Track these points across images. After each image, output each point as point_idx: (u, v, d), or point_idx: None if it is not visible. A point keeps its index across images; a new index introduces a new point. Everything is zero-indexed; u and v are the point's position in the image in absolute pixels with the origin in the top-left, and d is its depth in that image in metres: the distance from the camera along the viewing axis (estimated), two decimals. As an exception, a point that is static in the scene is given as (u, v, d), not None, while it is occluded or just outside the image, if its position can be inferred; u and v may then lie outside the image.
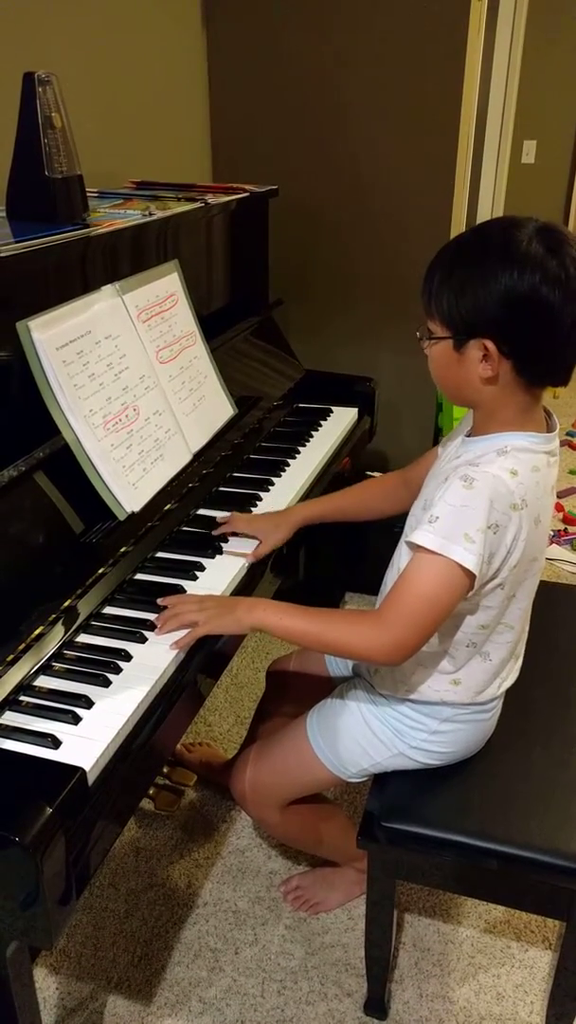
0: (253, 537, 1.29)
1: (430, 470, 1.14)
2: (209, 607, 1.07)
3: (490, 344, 0.94)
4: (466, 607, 1.04)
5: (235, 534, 1.30)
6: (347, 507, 1.36)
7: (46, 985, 1.33)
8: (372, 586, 1.21)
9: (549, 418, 1.05)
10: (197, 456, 1.39)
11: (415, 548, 0.98)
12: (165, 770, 1.57)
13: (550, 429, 1.04)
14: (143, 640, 1.06)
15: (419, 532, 0.97)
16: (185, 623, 1.06)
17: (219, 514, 1.34)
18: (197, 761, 1.69)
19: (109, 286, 1.27)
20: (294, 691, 1.43)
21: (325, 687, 1.32)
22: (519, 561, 1.00)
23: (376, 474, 2.22)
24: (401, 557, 1.09)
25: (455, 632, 1.07)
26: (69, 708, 0.92)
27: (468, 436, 1.06)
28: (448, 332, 0.98)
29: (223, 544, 1.28)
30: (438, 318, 0.98)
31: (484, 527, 0.94)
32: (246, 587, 1.23)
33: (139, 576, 1.19)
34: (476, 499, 0.95)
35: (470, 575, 0.95)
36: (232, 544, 1.28)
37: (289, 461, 1.57)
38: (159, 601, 1.10)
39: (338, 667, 1.37)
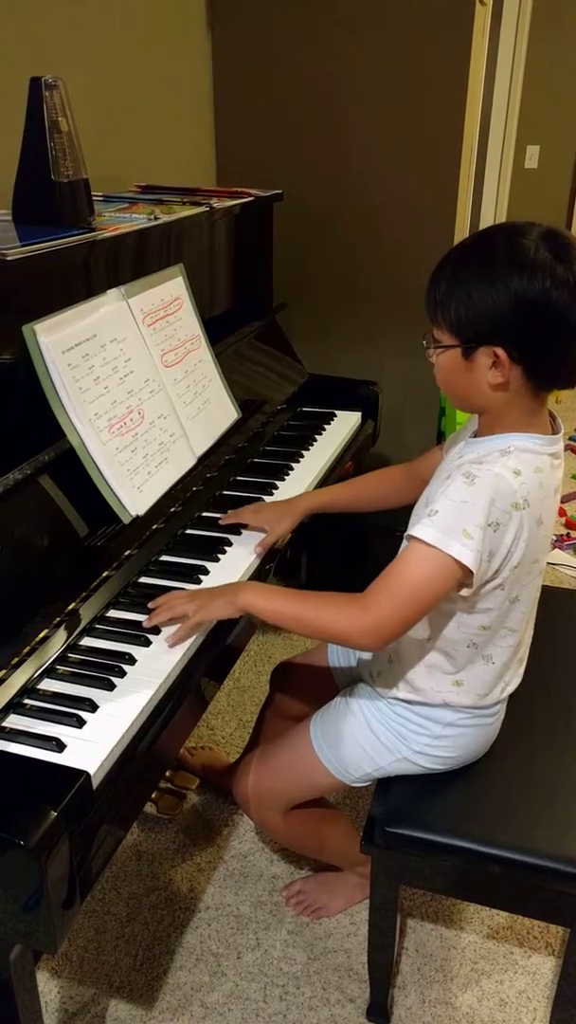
0: (260, 530, 1.30)
1: (435, 471, 1.14)
2: (198, 597, 1.08)
3: (500, 351, 0.94)
4: (465, 607, 1.04)
5: (239, 530, 1.30)
6: (353, 497, 1.37)
7: (48, 989, 1.33)
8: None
9: (554, 421, 1.05)
10: (201, 460, 1.39)
11: (413, 540, 0.98)
12: (168, 773, 1.57)
13: (555, 432, 1.04)
14: (147, 643, 1.06)
15: (419, 526, 0.97)
16: (176, 615, 1.06)
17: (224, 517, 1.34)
18: (199, 765, 1.69)
19: (114, 290, 1.27)
20: (297, 695, 1.43)
21: (328, 691, 1.32)
22: (520, 562, 1.00)
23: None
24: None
25: (456, 632, 1.07)
26: (73, 711, 0.92)
27: (472, 437, 1.06)
28: (456, 340, 0.98)
29: (228, 546, 1.28)
30: (445, 326, 0.98)
31: (484, 524, 0.95)
32: (250, 591, 1.23)
33: (143, 579, 1.20)
34: (477, 496, 0.95)
35: (465, 571, 0.95)
36: (239, 541, 1.29)
37: (293, 465, 1.57)
38: (150, 604, 1.10)
39: (342, 671, 1.37)
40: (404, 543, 1.07)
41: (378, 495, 1.36)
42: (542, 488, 1.00)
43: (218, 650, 1.11)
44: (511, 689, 1.17)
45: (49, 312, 1.13)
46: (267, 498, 1.44)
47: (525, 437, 1.00)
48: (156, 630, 1.07)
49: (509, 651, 1.10)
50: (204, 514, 1.37)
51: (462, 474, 0.97)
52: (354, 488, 1.39)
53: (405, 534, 1.04)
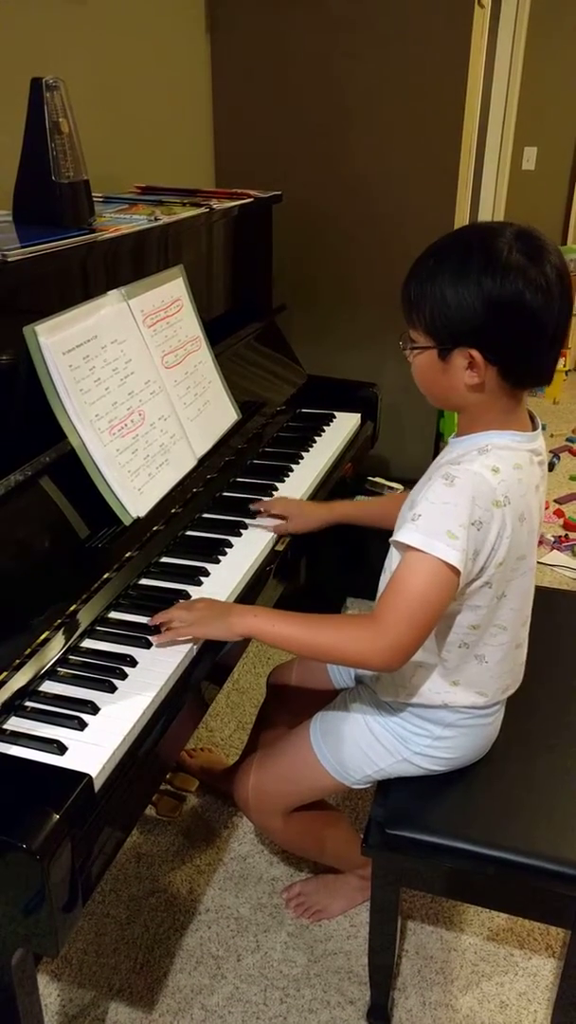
0: (281, 517, 1.35)
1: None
2: (199, 608, 1.07)
3: (476, 353, 0.95)
4: (454, 607, 1.04)
5: (240, 531, 1.31)
6: (382, 514, 1.35)
7: (48, 992, 1.33)
8: (373, 591, 1.21)
9: (532, 418, 1.06)
10: (201, 461, 1.39)
11: (401, 548, 0.98)
12: (167, 776, 1.57)
13: (533, 428, 1.05)
14: (148, 645, 1.05)
15: (403, 531, 0.97)
16: (173, 617, 1.06)
17: (223, 518, 1.34)
18: (198, 767, 1.69)
19: (115, 291, 1.27)
20: (296, 698, 1.43)
21: (327, 694, 1.32)
22: (505, 559, 1.00)
23: (380, 480, 2.23)
24: (392, 560, 1.09)
25: (447, 633, 1.07)
26: (75, 714, 0.92)
27: (454, 437, 1.07)
28: (432, 342, 0.98)
29: (229, 548, 1.28)
30: (420, 328, 0.99)
31: (467, 523, 0.95)
32: (250, 591, 1.23)
33: (144, 581, 1.20)
34: (458, 496, 0.95)
35: (456, 572, 0.95)
36: (239, 543, 1.29)
37: (292, 466, 1.57)
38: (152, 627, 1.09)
39: (340, 674, 1.37)
40: (393, 550, 1.08)
41: None
42: (522, 484, 1.00)
43: (218, 653, 1.11)
44: (511, 691, 1.17)
45: (50, 313, 1.13)
46: (267, 500, 1.44)
47: (503, 434, 1.01)
48: (157, 632, 1.07)
49: (502, 650, 1.10)
50: (205, 515, 1.37)
51: (441, 476, 0.97)
52: (380, 504, 1.41)
53: (391, 539, 1.04)
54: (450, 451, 1.05)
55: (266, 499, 1.40)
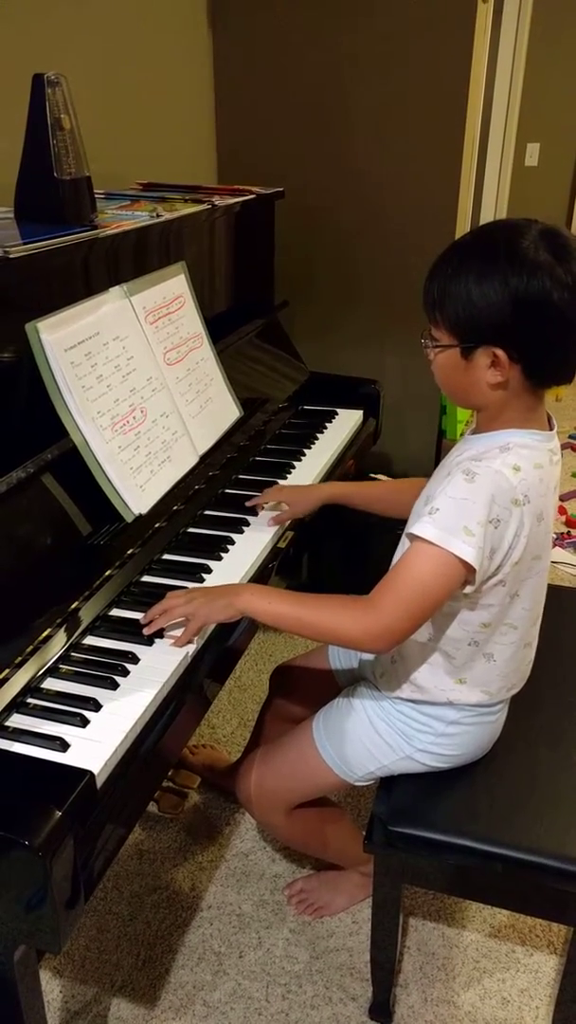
0: (278, 509, 1.34)
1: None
2: (197, 599, 1.07)
3: (500, 352, 0.94)
4: (467, 605, 1.04)
5: (242, 528, 1.30)
6: (374, 497, 1.37)
7: (50, 988, 1.33)
8: (377, 589, 1.21)
9: (549, 419, 1.06)
10: (203, 458, 1.39)
11: (414, 539, 0.98)
12: (169, 772, 1.57)
13: (551, 427, 1.05)
14: (150, 642, 1.05)
15: (419, 524, 0.97)
16: (176, 618, 1.06)
17: (226, 515, 1.34)
18: (201, 764, 1.69)
19: (117, 287, 1.27)
20: (298, 695, 1.43)
21: (329, 691, 1.31)
22: (521, 558, 1.00)
23: (382, 477, 2.23)
24: (401, 555, 1.09)
25: (457, 630, 1.06)
26: (77, 711, 0.92)
27: (472, 433, 1.06)
28: (455, 340, 0.97)
29: (231, 544, 1.28)
30: (444, 326, 0.98)
31: (485, 521, 0.95)
32: (253, 589, 1.23)
33: (146, 578, 1.19)
34: (477, 493, 0.95)
35: (468, 568, 0.95)
36: (241, 540, 1.29)
37: (295, 463, 1.57)
38: (145, 617, 1.08)
39: (343, 672, 1.37)
40: (404, 541, 1.07)
41: (397, 502, 1.34)
42: (542, 484, 1.00)
43: (220, 649, 1.11)
44: (516, 690, 1.17)
45: (52, 310, 1.13)
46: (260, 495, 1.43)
47: (524, 433, 1.01)
48: (158, 635, 1.07)
49: (511, 648, 1.10)
50: (206, 512, 1.37)
51: (462, 471, 0.97)
52: (376, 488, 1.40)
53: (405, 532, 1.03)
54: (469, 447, 1.04)
55: (259, 494, 1.38)
